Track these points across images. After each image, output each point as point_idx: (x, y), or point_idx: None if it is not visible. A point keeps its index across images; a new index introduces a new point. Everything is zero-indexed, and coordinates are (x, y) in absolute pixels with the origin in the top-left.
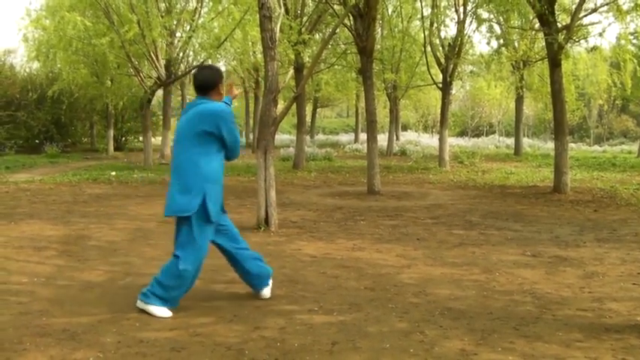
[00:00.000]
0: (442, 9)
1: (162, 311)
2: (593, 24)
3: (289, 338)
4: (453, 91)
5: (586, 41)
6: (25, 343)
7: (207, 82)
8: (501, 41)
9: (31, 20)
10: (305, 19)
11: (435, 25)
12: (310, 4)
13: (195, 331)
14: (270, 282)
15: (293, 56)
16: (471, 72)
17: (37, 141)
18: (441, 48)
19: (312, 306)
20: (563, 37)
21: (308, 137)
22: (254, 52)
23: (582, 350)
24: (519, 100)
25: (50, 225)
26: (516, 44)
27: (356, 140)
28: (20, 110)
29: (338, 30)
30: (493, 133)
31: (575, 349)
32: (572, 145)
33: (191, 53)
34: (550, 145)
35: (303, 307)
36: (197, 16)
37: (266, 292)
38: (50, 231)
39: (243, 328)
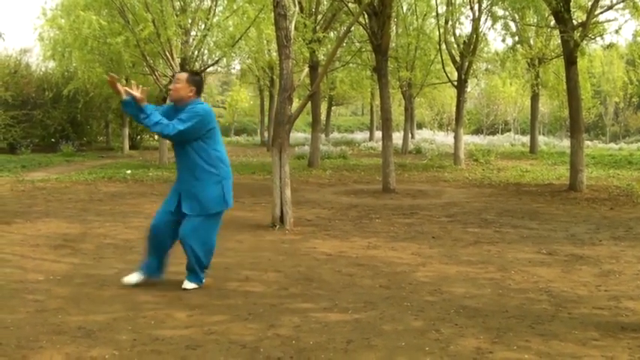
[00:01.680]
0: (457, 6)
1: None
2: (609, 21)
3: (304, 336)
4: (468, 89)
5: (602, 38)
6: (41, 341)
7: None
8: (517, 39)
9: (47, 19)
10: (320, 17)
11: (450, 22)
12: (325, 2)
13: (210, 329)
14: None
15: (308, 54)
16: (486, 70)
17: (52, 140)
18: (456, 46)
19: (327, 304)
20: (578, 34)
21: (323, 135)
22: (269, 51)
23: (598, 349)
24: (535, 98)
25: (66, 223)
26: (532, 42)
27: (371, 138)
28: (36, 109)
29: (353, 28)
30: (508, 130)
31: (591, 348)
32: (588, 142)
33: (206, 52)
34: (566, 143)
35: (318, 306)
36: (212, 14)
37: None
38: (66, 229)
39: (258, 326)
